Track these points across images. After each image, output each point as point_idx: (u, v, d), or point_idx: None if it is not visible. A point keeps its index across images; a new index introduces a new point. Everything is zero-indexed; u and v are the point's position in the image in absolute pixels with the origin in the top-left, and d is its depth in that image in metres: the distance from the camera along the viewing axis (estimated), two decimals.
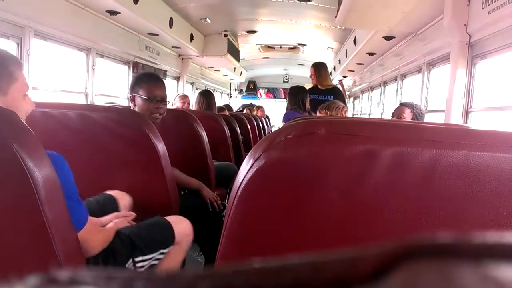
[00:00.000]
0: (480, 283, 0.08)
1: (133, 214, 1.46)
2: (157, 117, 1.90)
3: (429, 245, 0.10)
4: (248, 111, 6.91)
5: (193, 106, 5.02)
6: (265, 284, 0.10)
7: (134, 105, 1.90)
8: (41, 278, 0.12)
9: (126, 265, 1.28)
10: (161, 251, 1.35)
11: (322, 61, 4.29)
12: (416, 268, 0.09)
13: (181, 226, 1.46)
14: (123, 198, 1.59)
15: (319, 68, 3.93)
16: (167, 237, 1.38)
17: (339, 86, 6.35)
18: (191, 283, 0.10)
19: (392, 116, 2.66)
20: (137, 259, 1.29)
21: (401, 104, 2.69)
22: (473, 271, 0.09)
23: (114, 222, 1.33)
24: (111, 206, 1.52)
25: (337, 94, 3.89)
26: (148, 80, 1.93)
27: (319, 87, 3.89)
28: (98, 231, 1.21)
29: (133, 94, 1.91)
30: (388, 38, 4.16)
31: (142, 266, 1.31)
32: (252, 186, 0.64)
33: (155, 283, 0.11)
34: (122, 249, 1.26)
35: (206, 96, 3.59)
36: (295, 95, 3.54)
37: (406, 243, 0.10)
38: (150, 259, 1.33)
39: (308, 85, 4.26)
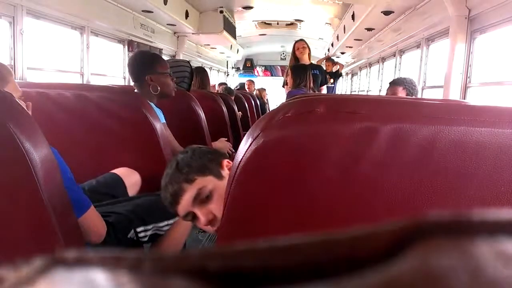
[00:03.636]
0: (497, 259, 0.08)
1: None
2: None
3: (441, 222, 0.10)
4: (258, 92, 6.98)
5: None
6: (275, 264, 0.10)
7: (149, 86, 1.82)
8: (47, 259, 0.12)
9: (129, 236, 1.30)
10: (166, 222, 1.38)
11: (320, 37, 4.41)
12: (431, 245, 0.09)
13: None
14: (130, 176, 1.58)
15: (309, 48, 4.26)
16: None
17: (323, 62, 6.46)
18: (200, 263, 0.10)
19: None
20: (138, 229, 1.32)
21: (392, 84, 2.60)
22: (489, 247, 0.09)
23: None
24: (116, 185, 1.51)
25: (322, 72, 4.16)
26: (158, 57, 1.93)
27: (302, 62, 4.06)
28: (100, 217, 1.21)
29: (152, 75, 1.82)
30: (386, 12, 4.10)
31: (145, 236, 1.34)
32: (251, 165, 0.64)
33: (164, 264, 0.11)
34: (123, 221, 1.28)
35: (199, 72, 3.55)
36: (300, 73, 3.50)
37: (418, 220, 0.10)
38: (151, 229, 1.35)
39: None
